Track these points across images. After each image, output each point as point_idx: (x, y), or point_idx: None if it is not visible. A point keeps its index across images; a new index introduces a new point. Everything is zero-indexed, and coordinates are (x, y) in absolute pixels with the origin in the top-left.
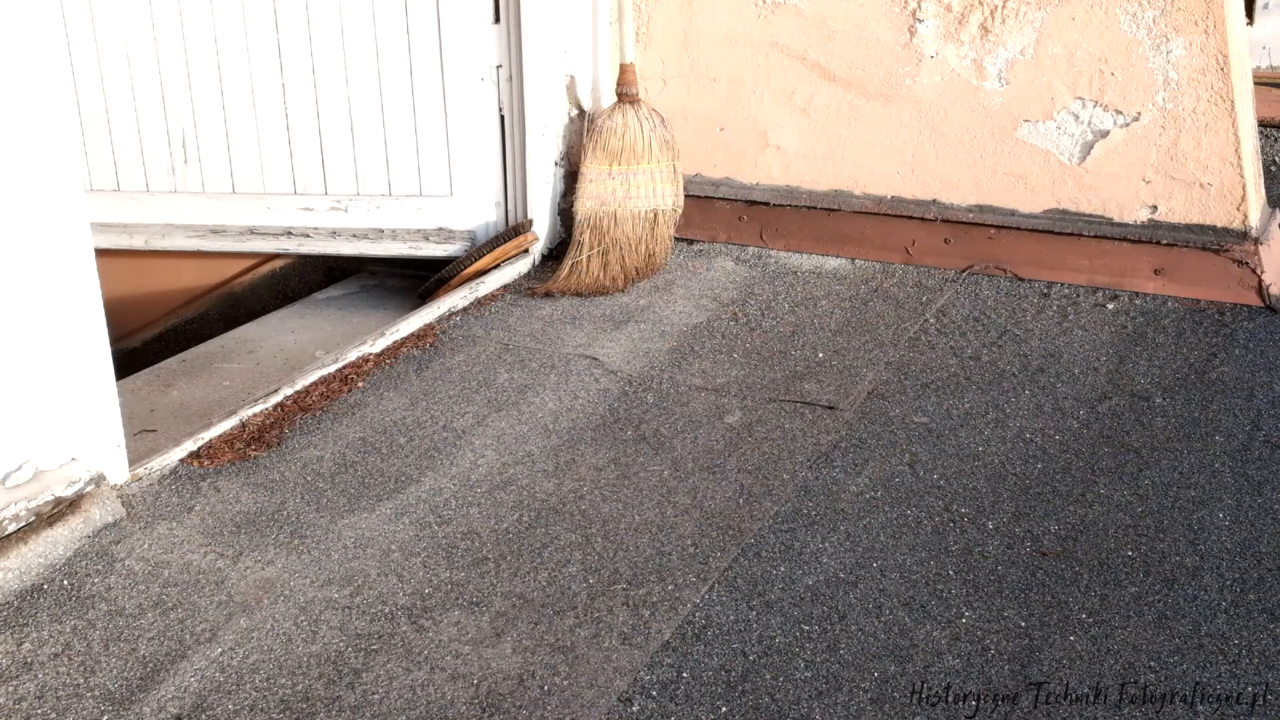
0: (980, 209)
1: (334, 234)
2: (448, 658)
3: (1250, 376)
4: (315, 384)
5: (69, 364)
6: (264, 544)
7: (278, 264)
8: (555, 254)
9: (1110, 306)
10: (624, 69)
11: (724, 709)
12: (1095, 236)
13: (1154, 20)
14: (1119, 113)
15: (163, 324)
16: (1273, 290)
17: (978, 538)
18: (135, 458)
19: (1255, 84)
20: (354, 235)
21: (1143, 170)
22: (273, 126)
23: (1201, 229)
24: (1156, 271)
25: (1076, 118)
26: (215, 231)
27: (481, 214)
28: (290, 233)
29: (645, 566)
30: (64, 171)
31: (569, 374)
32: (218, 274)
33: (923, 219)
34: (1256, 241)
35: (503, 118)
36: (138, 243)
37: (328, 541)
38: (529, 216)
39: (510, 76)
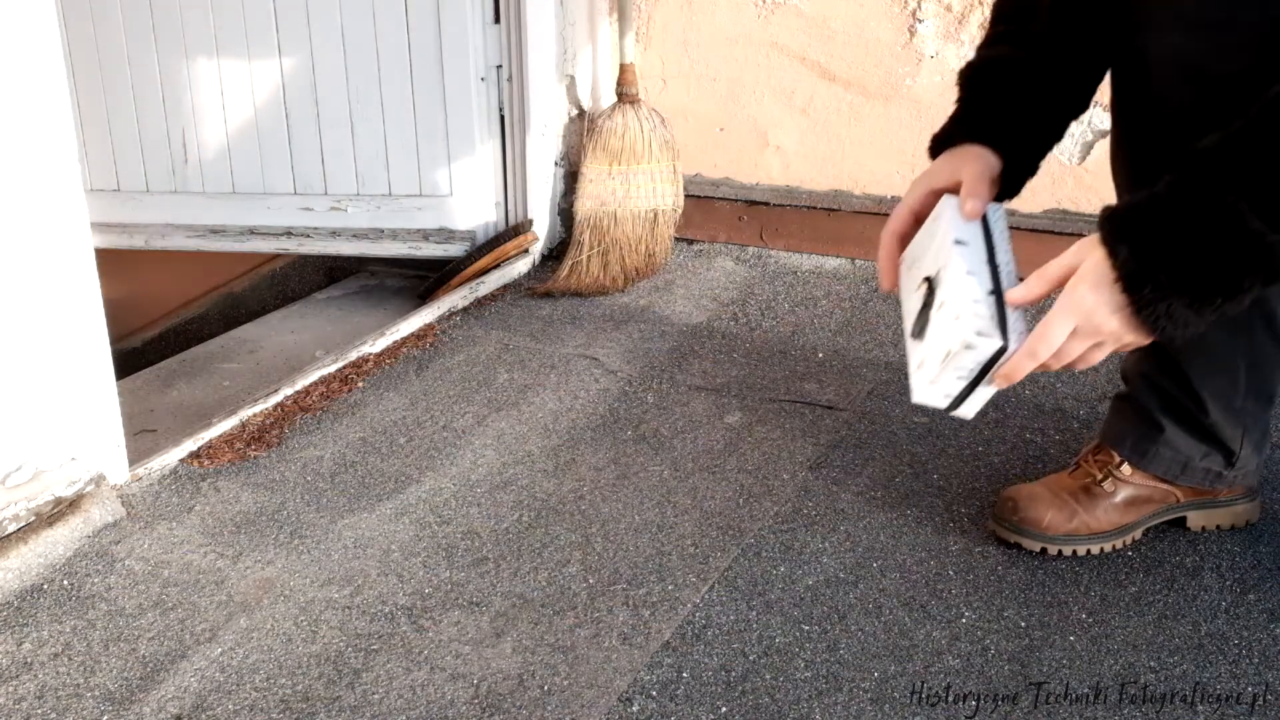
0: None
1: (334, 234)
2: (448, 658)
3: None
4: (315, 384)
5: (69, 364)
6: (264, 544)
7: (278, 264)
8: (555, 254)
9: None
10: (624, 69)
11: (724, 709)
12: None
13: None
14: None
15: (163, 324)
16: None
17: (978, 538)
18: (135, 458)
19: None
20: (354, 235)
21: None
22: (273, 126)
23: None
24: None
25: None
26: (215, 231)
27: (481, 214)
28: (290, 233)
29: (645, 566)
30: (64, 171)
31: (569, 374)
32: (218, 274)
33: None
34: None
35: (503, 118)
36: (138, 243)
37: (328, 541)
38: (529, 216)
39: (510, 76)
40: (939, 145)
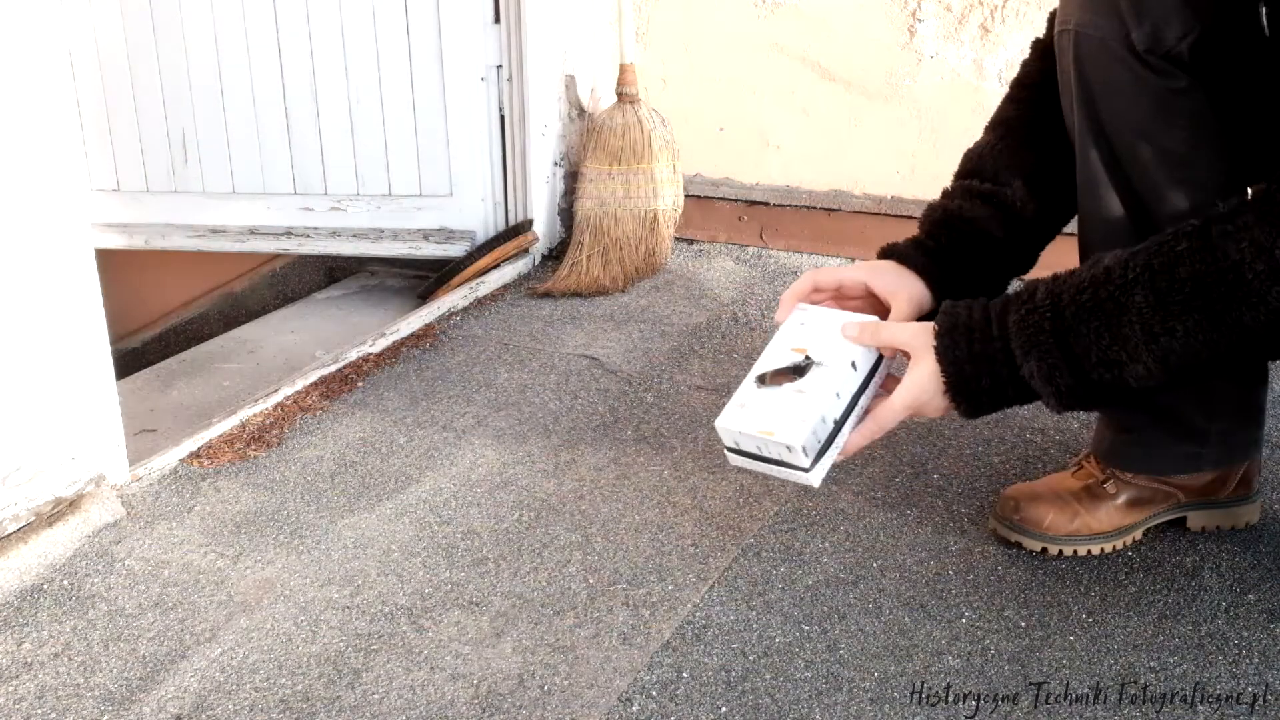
0: None
1: (334, 234)
2: (448, 658)
3: None
4: (315, 384)
5: (69, 364)
6: (264, 544)
7: (278, 264)
8: (555, 254)
9: None
10: (624, 69)
11: (724, 709)
12: None
13: None
14: None
15: (163, 324)
16: None
17: (978, 538)
18: (135, 458)
19: None
20: (354, 235)
21: None
22: (273, 126)
23: None
24: None
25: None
26: (215, 231)
27: (481, 214)
28: (290, 233)
29: (645, 566)
30: (64, 171)
31: (569, 374)
32: (218, 274)
33: None
34: None
35: (503, 118)
36: (138, 243)
37: (328, 541)
38: (529, 216)
39: (510, 76)
40: (890, 253)
